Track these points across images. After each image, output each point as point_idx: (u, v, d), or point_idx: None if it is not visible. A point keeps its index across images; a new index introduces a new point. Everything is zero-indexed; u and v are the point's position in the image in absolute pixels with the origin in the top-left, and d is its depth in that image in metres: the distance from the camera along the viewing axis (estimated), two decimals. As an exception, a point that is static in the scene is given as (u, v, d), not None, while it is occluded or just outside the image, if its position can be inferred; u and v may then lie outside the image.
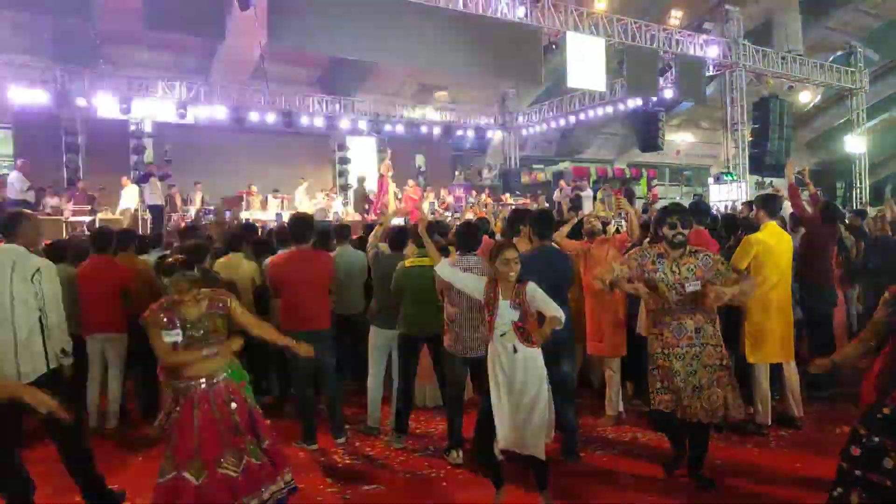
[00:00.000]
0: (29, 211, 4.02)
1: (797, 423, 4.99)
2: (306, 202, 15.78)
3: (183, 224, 11.97)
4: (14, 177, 11.55)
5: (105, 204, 13.64)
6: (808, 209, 6.09)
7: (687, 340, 3.81)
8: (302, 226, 5.08)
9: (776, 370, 5.04)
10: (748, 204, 6.12)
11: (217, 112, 16.19)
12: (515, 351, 3.61)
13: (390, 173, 14.75)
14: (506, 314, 3.63)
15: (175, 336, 3.23)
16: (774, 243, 4.89)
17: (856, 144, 21.04)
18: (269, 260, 5.29)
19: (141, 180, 13.29)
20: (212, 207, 14.80)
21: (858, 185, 20.95)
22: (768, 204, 5.07)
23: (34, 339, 3.58)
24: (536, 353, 3.66)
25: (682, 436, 4.12)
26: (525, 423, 3.56)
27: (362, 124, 18.74)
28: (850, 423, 4.99)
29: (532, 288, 3.63)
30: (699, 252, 3.88)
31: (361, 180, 16.65)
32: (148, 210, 13.01)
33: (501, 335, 3.65)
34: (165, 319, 3.23)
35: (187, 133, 16.31)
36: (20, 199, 11.17)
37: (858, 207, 12.92)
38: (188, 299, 3.31)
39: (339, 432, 5.03)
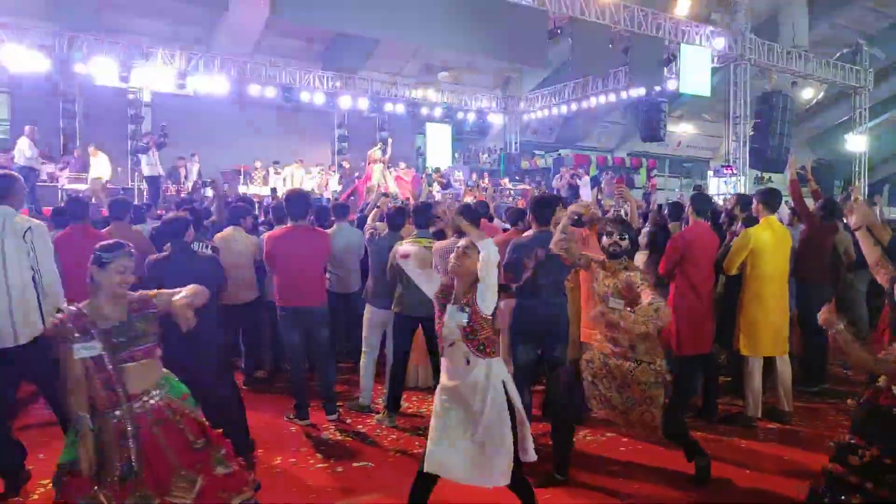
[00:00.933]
0: (15, 173, 4.01)
1: (786, 417, 5.03)
2: (296, 180, 15.57)
3: (182, 196, 11.92)
4: (22, 143, 11.48)
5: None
6: (809, 205, 6.09)
7: (621, 353, 3.65)
8: (299, 202, 5.06)
9: (768, 364, 5.06)
10: (739, 198, 6.07)
11: (217, 84, 16.00)
12: (468, 363, 3.10)
13: (378, 162, 14.56)
14: (453, 318, 3.11)
15: (90, 350, 2.57)
16: (772, 238, 4.89)
17: (856, 143, 21.02)
18: (265, 235, 5.26)
19: (139, 150, 13.17)
20: (208, 180, 14.71)
21: (857, 183, 20.94)
22: (768, 198, 5.06)
23: (29, 299, 3.56)
24: (494, 366, 3.13)
25: None
26: (489, 458, 3.06)
27: (363, 102, 18.59)
28: (838, 419, 5.08)
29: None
30: (634, 271, 3.69)
31: (347, 160, 16.57)
32: (145, 181, 12.92)
33: (450, 345, 3.16)
34: (77, 332, 2.59)
35: (186, 104, 16.16)
36: (28, 165, 11.18)
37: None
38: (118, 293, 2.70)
39: (331, 409, 5.04)
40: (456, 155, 22.23)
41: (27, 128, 11.71)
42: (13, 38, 13.64)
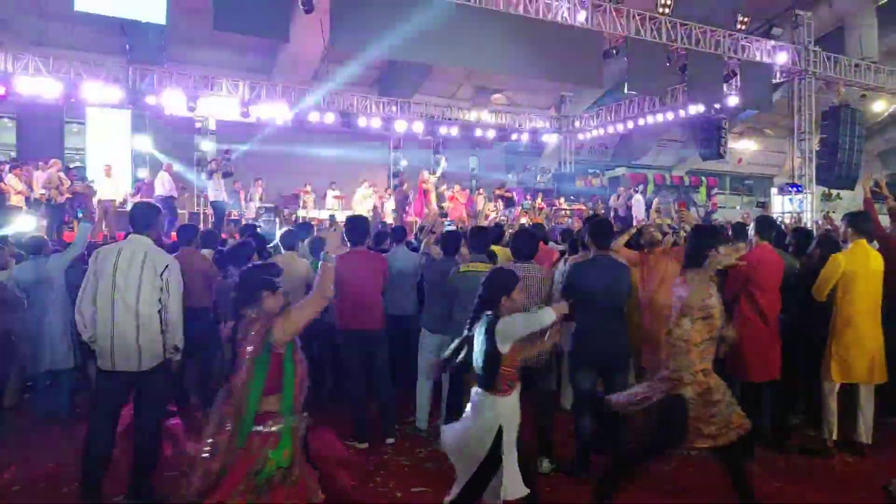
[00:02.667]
0: (158, 205, 4.31)
1: (864, 449, 4.79)
2: (364, 203, 15.90)
3: (244, 221, 12.34)
4: (163, 177, 12.87)
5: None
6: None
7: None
8: (358, 227, 5.16)
9: (847, 391, 4.84)
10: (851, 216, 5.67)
11: (278, 111, 16.57)
12: None
13: (433, 184, 14.69)
14: None
15: None
16: (862, 263, 4.71)
17: (933, 157, 20.02)
18: (326, 259, 5.36)
19: (207, 176, 13.71)
20: (271, 205, 15.15)
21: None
22: (856, 221, 4.87)
23: (154, 331, 3.76)
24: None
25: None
26: None
27: (418, 126, 18.87)
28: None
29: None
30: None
31: (402, 182, 16.79)
32: (211, 206, 13.40)
33: None
34: None
35: (249, 131, 16.77)
36: (168, 195, 12.56)
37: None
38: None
39: (390, 432, 5.07)
40: (510, 175, 22.21)
41: (166, 163, 13.29)
42: (90, 73, 14.49)
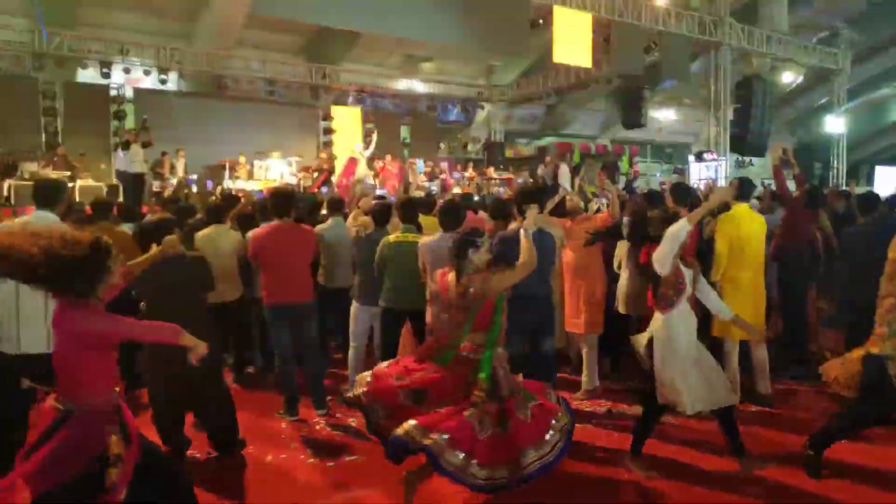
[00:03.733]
0: (63, 180, 4.12)
1: (765, 400, 5.18)
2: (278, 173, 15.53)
3: (166, 194, 11.90)
4: (136, 151, 12.48)
5: (86, 170, 13.40)
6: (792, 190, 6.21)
7: None
8: (282, 199, 5.09)
9: (746, 349, 5.21)
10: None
11: (200, 79, 15.93)
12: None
13: (359, 157, 14.54)
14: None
15: None
16: (746, 225, 5.03)
17: (835, 125, 21.25)
18: (250, 233, 5.28)
19: (121, 147, 13.10)
20: (193, 176, 14.65)
21: (836, 165, 21.22)
22: (739, 188, 5.21)
23: None
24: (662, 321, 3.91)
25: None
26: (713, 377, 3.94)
27: (347, 94, 18.54)
28: (817, 400, 5.21)
29: None
30: None
31: (330, 154, 16.55)
32: (130, 179, 12.84)
33: None
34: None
35: (169, 99, 16.05)
36: (138, 172, 12.45)
37: (842, 188, 12.94)
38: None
39: (321, 404, 5.11)
40: (441, 145, 22.20)
41: (132, 135, 12.83)
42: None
